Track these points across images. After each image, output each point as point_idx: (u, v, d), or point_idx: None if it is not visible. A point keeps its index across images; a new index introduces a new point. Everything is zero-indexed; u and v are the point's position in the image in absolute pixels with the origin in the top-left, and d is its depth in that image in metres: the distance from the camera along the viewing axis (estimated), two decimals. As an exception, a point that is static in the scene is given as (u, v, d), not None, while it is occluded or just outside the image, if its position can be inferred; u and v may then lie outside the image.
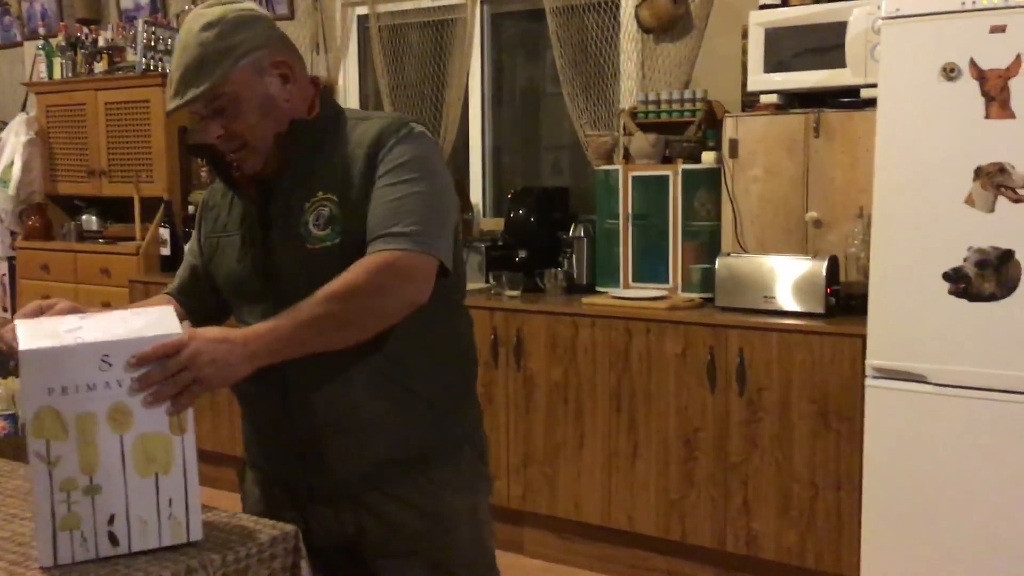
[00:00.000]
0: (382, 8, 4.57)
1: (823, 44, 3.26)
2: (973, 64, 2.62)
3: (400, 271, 1.52)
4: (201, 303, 1.82)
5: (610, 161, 3.87)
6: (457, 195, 1.71)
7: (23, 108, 5.58)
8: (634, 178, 3.64)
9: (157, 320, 1.44)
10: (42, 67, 5.26)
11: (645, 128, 3.72)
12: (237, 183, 1.71)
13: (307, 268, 1.59)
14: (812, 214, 3.28)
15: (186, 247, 1.91)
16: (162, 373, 1.39)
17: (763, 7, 3.45)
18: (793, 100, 3.40)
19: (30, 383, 1.33)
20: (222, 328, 1.49)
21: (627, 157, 3.77)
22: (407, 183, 1.57)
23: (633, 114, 3.79)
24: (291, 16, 4.83)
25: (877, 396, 2.84)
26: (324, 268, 1.56)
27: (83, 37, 5.11)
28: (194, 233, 1.87)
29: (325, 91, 1.71)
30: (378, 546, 1.70)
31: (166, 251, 4.68)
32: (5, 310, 5.34)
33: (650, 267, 3.63)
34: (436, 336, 1.66)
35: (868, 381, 2.86)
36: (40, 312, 1.57)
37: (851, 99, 3.25)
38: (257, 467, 1.82)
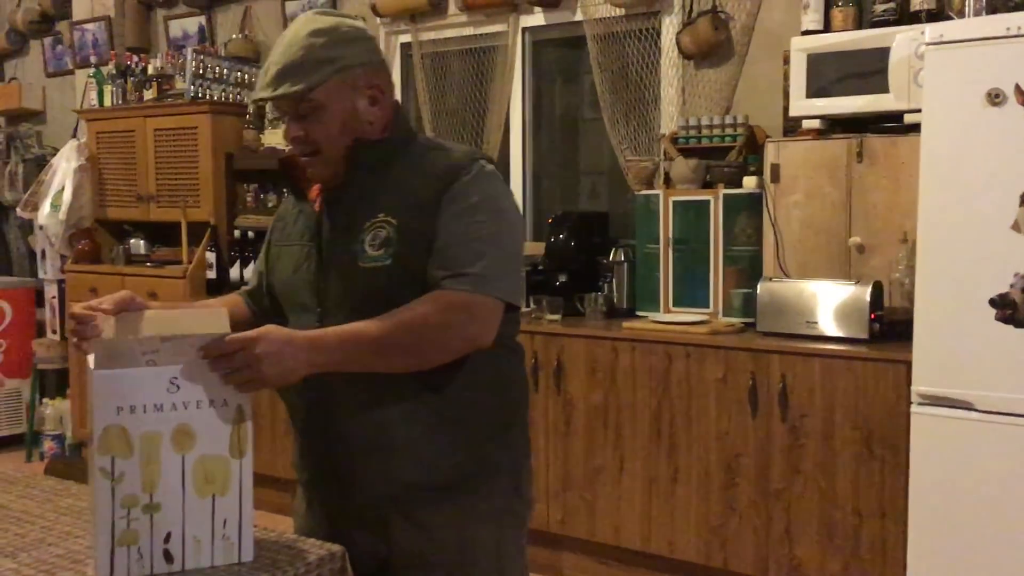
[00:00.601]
0: (425, 36, 4.64)
1: (866, 69, 3.26)
2: (1018, 90, 2.61)
3: (467, 311, 1.58)
4: (266, 308, 1.89)
5: (650, 186, 3.89)
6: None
7: (74, 134, 5.71)
8: (675, 203, 3.65)
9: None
10: (93, 94, 5.38)
11: (686, 153, 3.74)
12: (306, 196, 1.75)
13: (355, 284, 1.64)
14: (855, 239, 3.27)
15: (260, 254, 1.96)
16: (227, 365, 1.43)
17: (805, 33, 3.46)
18: (835, 125, 3.40)
19: (100, 402, 1.37)
20: (288, 330, 1.52)
21: (667, 182, 3.79)
22: (478, 224, 1.61)
23: (674, 139, 3.81)
24: (335, 44, 4.91)
25: (923, 423, 2.82)
26: (371, 287, 1.61)
27: (133, 65, 5.23)
28: (265, 243, 1.91)
29: (398, 115, 1.75)
30: (402, 571, 1.71)
31: (212, 274, 4.75)
32: (55, 332, 5.44)
33: (690, 292, 3.63)
34: (477, 368, 1.67)
35: (913, 408, 2.83)
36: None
37: (894, 124, 3.25)
38: (302, 483, 1.85)
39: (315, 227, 1.72)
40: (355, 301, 1.60)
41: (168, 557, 1.45)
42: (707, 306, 3.59)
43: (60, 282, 5.38)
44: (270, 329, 1.49)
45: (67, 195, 5.17)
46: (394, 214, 1.63)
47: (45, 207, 5.25)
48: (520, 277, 1.70)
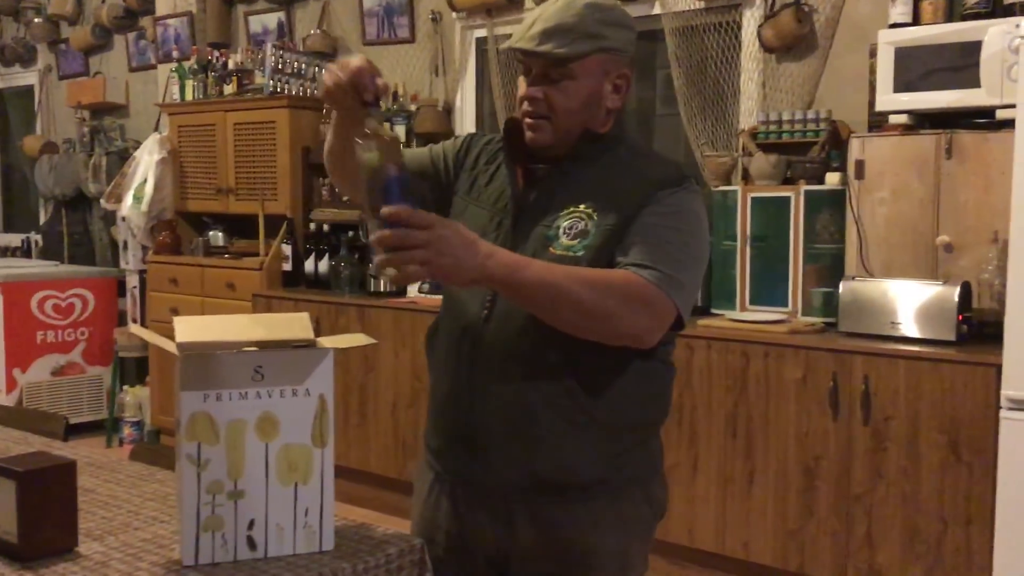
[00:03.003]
0: (500, 31, 4.63)
1: (956, 64, 3.16)
2: (1122, 83, 2.50)
3: (649, 302, 1.52)
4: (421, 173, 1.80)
5: (728, 182, 3.83)
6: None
7: (156, 128, 5.84)
8: (753, 199, 3.59)
9: (297, 326, 1.49)
10: (175, 89, 5.49)
11: (766, 149, 3.67)
12: (514, 164, 1.71)
13: None
14: (943, 238, 3.17)
15: (435, 145, 1.87)
16: (401, 240, 1.35)
17: (893, 26, 3.37)
18: (923, 121, 3.30)
19: (187, 389, 1.39)
20: (472, 233, 1.45)
21: (746, 178, 3.72)
22: (678, 231, 1.58)
23: (753, 134, 3.75)
24: (412, 39, 4.94)
25: (1012, 428, 2.72)
26: None
27: (214, 60, 5.32)
28: (451, 143, 1.84)
29: (620, 113, 1.72)
30: (522, 565, 1.68)
31: (287, 267, 4.81)
32: (135, 321, 5.58)
33: (768, 290, 3.57)
34: (631, 376, 1.63)
35: (1003, 413, 2.74)
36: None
37: (985, 120, 3.15)
38: (429, 447, 1.79)
39: (516, 201, 1.66)
40: None
41: (251, 544, 1.46)
42: (785, 305, 3.52)
43: (141, 272, 5.50)
44: (454, 222, 1.44)
45: (149, 187, 5.29)
46: (595, 208, 1.60)
47: (128, 199, 5.37)
48: (694, 297, 1.64)
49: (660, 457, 1.76)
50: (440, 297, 1.81)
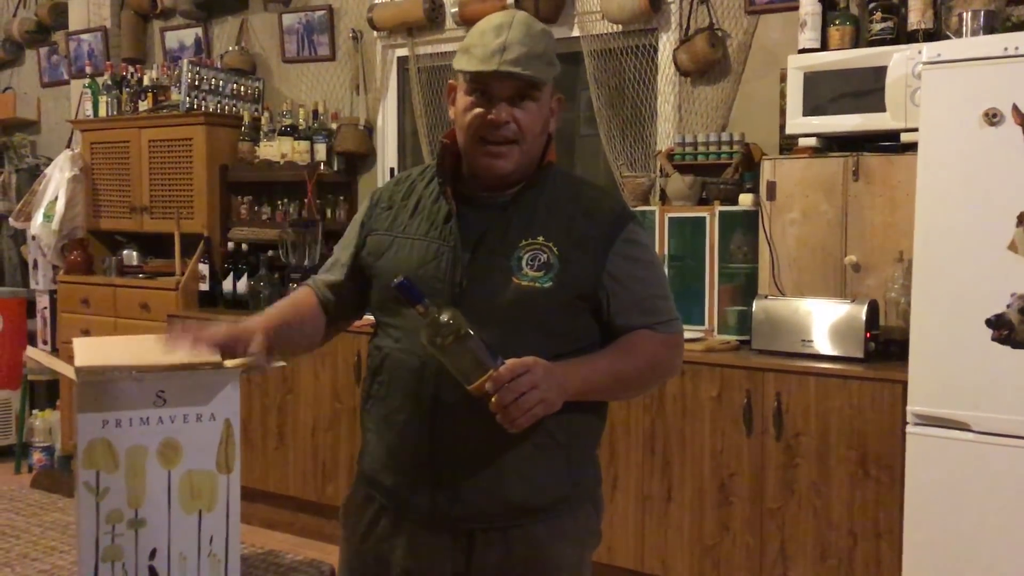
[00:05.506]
0: (421, 50, 4.63)
1: (862, 88, 3.26)
2: (1016, 110, 2.60)
3: (679, 348, 1.78)
4: (345, 302, 1.81)
5: (646, 202, 3.88)
6: None
7: (68, 145, 5.69)
8: (670, 219, 3.64)
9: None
10: (88, 105, 5.36)
11: (682, 170, 3.73)
12: (447, 189, 1.71)
13: (503, 298, 1.62)
14: (851, 258, 3.26)
15: (339, 244, 1.86)
16: (514, 392, 1.47)
17: (802, 51, 3.46)
18: (831, 144, 3.40)
19: (85, 414, 1.35)
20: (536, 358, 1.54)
21: (663, 198, 3.78)
22: (652, 269, 1.74)
23: (670, 156, 3.81)
24: (332, 57, 4.91)
25: (918, 444, 2.80)
26: (524, 304, 1.62)
27: (128, 76, 5.21)
28: (351, 230, 1.83)
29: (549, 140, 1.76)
30: None
31: (204, 287, 4.73)
32: (46, 343, 5.41)
33: (685, 309, 3.62)
34: None
35: (909, 428, 2.82)
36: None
37: (891, 143, 3.25)
38: (376, 483, 1.74)
39: (459, 229, 1.66)
40: (503, 314, 1.60)
41: (153, 574, 1.42)
42: (702, 323, 3.57)
43: (52, 293, 5.35)
44: (530, 357, 1.52)
45: (60, 205, 5.15)
46: (555, 241, 1.65)
47: (38, 217, 5.23)
48: None
49: (600, 473, 1.83)
50: (368, 318, 1.80)
